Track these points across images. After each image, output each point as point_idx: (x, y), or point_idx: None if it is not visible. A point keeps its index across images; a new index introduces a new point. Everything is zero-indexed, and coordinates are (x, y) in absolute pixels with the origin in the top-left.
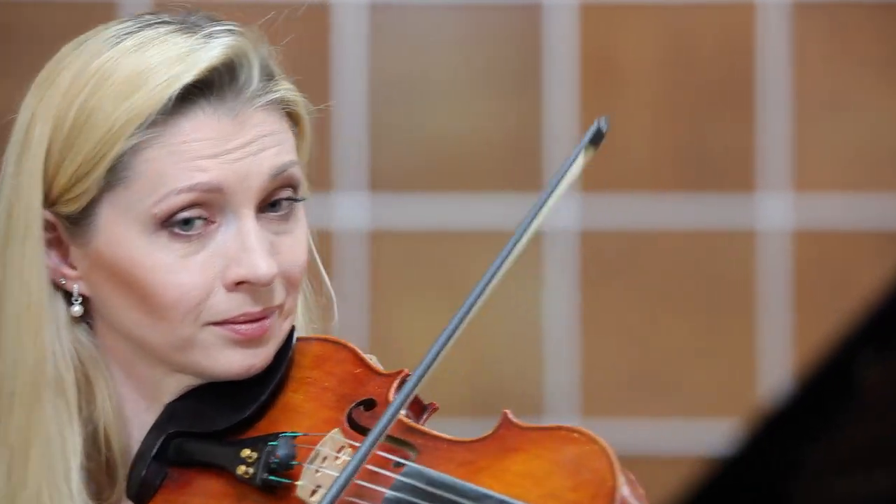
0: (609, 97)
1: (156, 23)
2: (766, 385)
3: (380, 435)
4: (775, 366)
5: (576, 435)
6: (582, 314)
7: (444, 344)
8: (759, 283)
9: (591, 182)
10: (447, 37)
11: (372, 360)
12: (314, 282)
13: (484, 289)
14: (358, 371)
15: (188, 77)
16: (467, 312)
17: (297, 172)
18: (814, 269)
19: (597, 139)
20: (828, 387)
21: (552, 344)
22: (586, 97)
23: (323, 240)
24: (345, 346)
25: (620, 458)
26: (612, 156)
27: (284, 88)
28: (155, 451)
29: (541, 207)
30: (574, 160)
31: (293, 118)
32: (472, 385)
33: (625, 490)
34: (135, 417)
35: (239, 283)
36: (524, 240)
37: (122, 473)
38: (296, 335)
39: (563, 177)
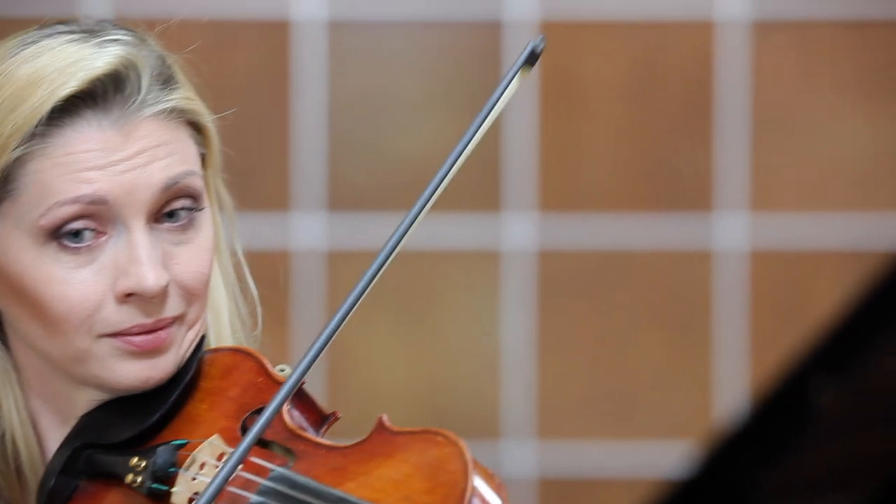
0: (569, 115)
1: (58, 32)
2: (723, 407)
3: (252, 441)
4: (732, 387)
5: (439, 438)
6: (539, 334)
7: (326, 341)
8: (717, 304)
9: (548, 201)
10: (407, 55)
11: (284, 370)
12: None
13: (392, 249)
14: (260, 380)
15: (70, 88)
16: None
17: (195, 182)
18: (771, 290)
19: (532, 60)
20: (784, 409)
21: (509, 365)
22: (546, 115)
23: (281, 259)
24: (251, 356)
25: (576, 481)
26: (571, 175)
27: (179, 97)
28: (62, 464)
29: (475, 133)
30: (509, 83)
31: (196, 127)
32: (429, 406)
33: (478, 491)
34: (50, 431)
35: (129, 295)
36: (452, 171)
37: (34, 487)
38: (205, 345)
39: (497, 100)
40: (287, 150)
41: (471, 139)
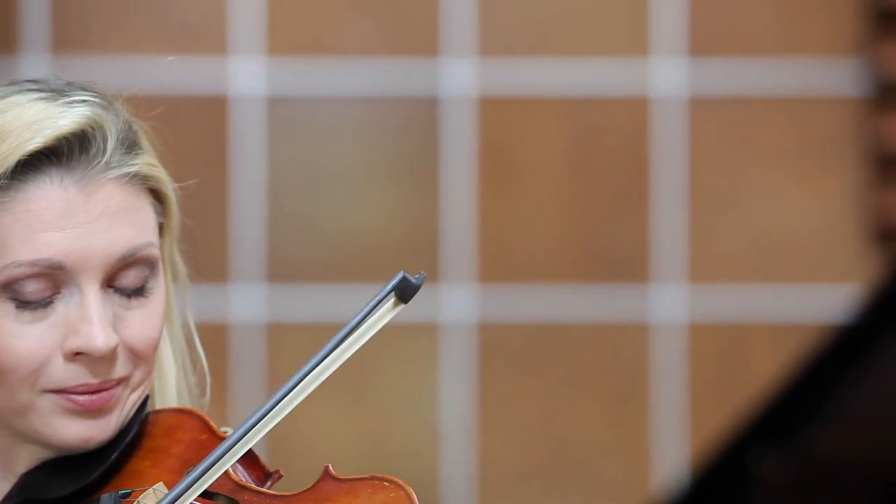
0: (508, 188)
1: (27, 89)
2: (662, 478)
3: (188, 486)
4: (671, 458)
5: (387, 483)
6: (479, 406)
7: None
8: (655, 376)
9: (488, 273)
10: (345, 129)
11: (227, 431)
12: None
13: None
14: (204, 437)
15: (35, 144)
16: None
17: (152, 253)
18: (709, 362)
19: (405, 291)
20: (724, 480)
21: (449, 436)
22: (485, 188)
23: (219, 332)
24: (195, 415)
25: None
26: (510, 247)
27: (142, 163)
28: None
29: (329, 353)
30: (371, 309)
31: (156, 195)
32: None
33: None
34: None
35: (77, 354)
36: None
37: None
38: (148, 406)
39: (357, 325)
40: (226, 222)
41: (324, 357)
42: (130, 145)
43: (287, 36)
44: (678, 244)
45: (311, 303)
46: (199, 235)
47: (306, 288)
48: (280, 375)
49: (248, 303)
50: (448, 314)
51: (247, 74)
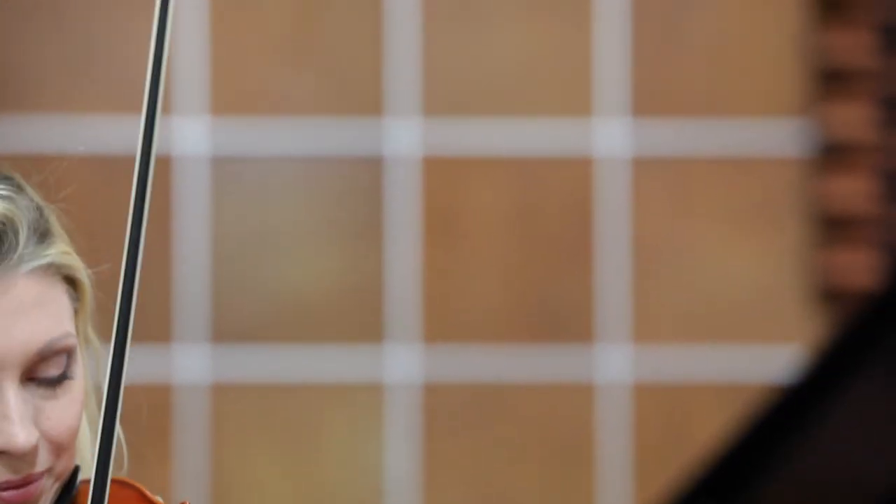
0: (452, 247)
1: None
2: None
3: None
4: None
5: None
6: (423, 466)
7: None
8: (599, 436)
9: (432, 333)
10: (290, 188)
11: (159, 498)
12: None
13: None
14: None
15: None
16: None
17: (69, 342)
18: (654, 421)
19: None
20: None
21: (394, 496)
22: (429, 247)
23: (163, 393)
24: (129, 484)
25: None
26: (454, 307)
27: (55, 252)
28: None
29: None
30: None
31: (70, 282)
32: None
33: None
34: None
35: None
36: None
37: None
38: (79, 478)
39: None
40: (170, 281)
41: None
42: (42, 235)
43: (230, 95)
44: (622, 304)
45: (256, 363)
46: (142, 295)
47: (251, 348)
48: (225, 436)
49: (192, 363)
50: (392, 374)
51: (190, 134)
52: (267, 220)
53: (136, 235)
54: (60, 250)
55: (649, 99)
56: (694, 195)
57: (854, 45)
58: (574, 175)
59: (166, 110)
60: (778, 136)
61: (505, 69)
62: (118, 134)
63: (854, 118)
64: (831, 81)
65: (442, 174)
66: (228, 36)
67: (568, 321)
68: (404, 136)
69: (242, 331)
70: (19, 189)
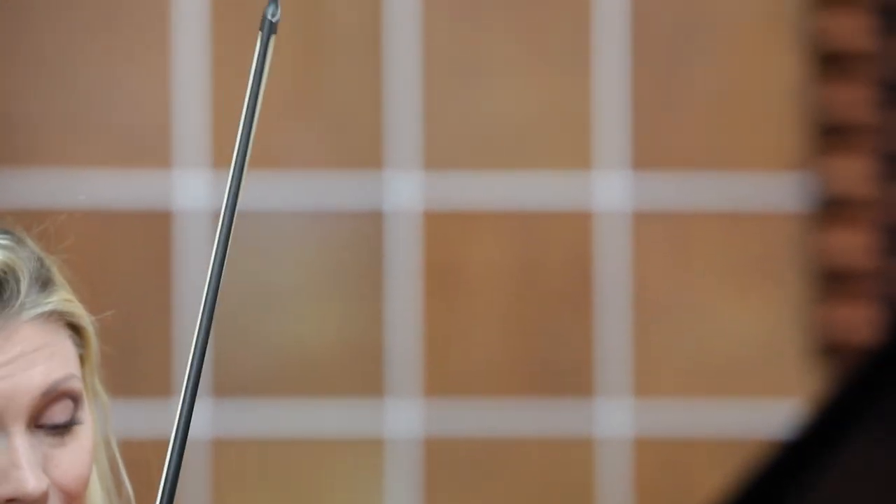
0: (452, 302)
1: None
2: None
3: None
4: None
5: None
6: None
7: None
8: (600, 490)
9: (433, 388)
10: (290, 242)
11: None
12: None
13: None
14: None
15: None
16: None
17: (74, 385)
18: (654, 476)
19: (269, 28)
20: None
21: None
22: (430, 303)
23: (163, 448)
24: None
25: None
26: (454, 361)
27: (57, 300)
28: None
29: (249, 127)
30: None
31: (73, 328)
32: None
33: None
34: None
35: (9, 501)
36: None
37: None
38: None
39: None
40: (170, 335)
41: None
42: (44, 283)
43: (231, 149)
44: (622, 358)
45: (257, 417)
46: (143, 349)
47: (252, 402)
48: (226, 490)
49: (194, 418)
50: (393, 428)
51: (191, 187)
52: (268, 273)
53: (215, 289)
54: (62, 298)
55: (649, 152)
56: (694, 249)
57: (853, 100)
58: (574, 228)
59: (166, 164)
60: (778, 190)
61: (505, 123)
62: (117, 188)
63: (854, 172)
64: (831, 136)
65: (442, 228)
66: (229, 90)
67: (568, 375)
68: (405, 190)
69: (243, 385)
70: (20, 241)
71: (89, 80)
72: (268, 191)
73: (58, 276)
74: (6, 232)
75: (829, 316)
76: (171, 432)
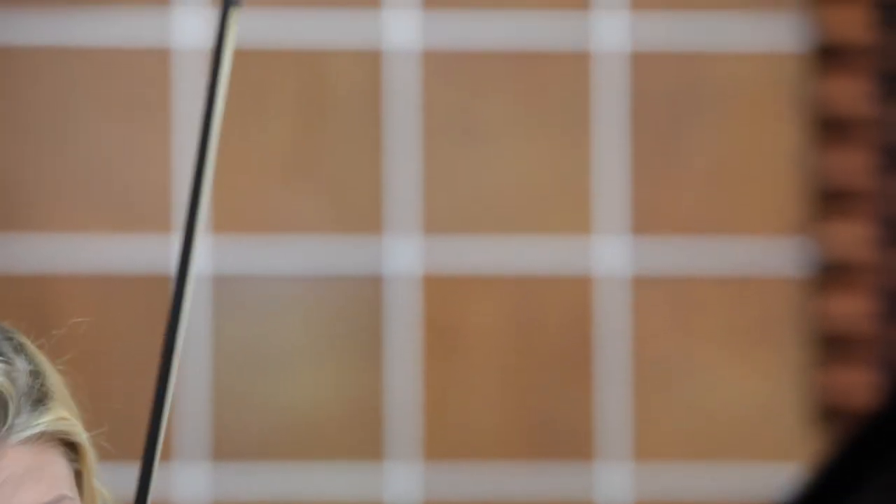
0: (451, 367)
1: None
2: None
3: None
4: None
5: None
6: None
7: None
8: None
9: (432, 451)
10: (290, 306)
11: None
12: None
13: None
14: None
15: None
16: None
17: None
18: None
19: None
20: None
21: None
22: (429, 367)
23: None
24: None
25: None
26: (453, 425)
27: (49, 420)
28: None
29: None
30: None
31: (69, 444)
32: None
33: None
34: None
35: None
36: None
37: None
38: None
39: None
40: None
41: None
42: (36, 401)
43: (231, 213)
44: (622, 422)
45: (257, 481)
46: (143, 414)
47: (251, 466)
48: None
49: (192, 481)
50: (393, 492)
51: None
52: (267, 338)
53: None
54: (55, 417)
55: (649, 217)
56: (693, 313)
57: (853, 165)
58: (574, 293)
59: (166, 229)
60: (777, 255)
61: (504, 187)
62: (116, 253)
63: (853, 238)
64: (830, 201)
65: (442, 292)
66: (229, 155)
67: (568, 439)
68: (404, 254)
69: (243, 449)
70: (18, 350)
71: (87, 144)
72: (268, 255)
73: (54, 389)
74: (6, 339)
75: (829, 380)
76: (169, 496)
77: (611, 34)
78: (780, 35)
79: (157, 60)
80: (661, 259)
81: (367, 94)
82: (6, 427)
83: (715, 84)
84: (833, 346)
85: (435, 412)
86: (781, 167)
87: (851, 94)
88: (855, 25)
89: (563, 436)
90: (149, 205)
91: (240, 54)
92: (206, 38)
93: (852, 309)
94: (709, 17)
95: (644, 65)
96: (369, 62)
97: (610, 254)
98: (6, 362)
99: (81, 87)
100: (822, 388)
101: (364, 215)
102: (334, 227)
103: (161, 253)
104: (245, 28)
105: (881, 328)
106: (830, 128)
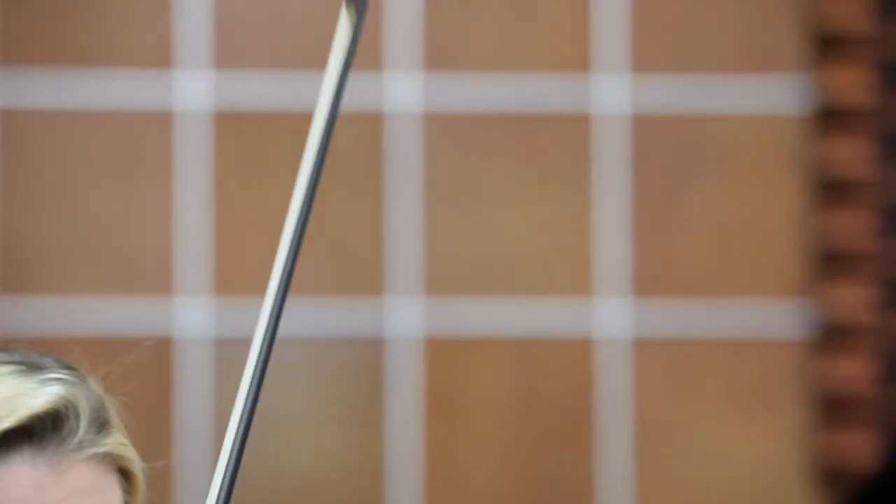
0: (453, 429)
1: (1, 362)
2: None
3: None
4: None
5: None
6: None
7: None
8: None
9: None
10: (290, 368)
11: None
12: None
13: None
14: None
15: (8, 423)
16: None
17: None
18: None
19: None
20: None
21: None
22: (430, 429)
23: None
24: None
25: None
26: (455, 487)
27: (114, 442)
28: None
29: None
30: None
31: (124, 474)
32: None
33: None
34: None
35: None
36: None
37: None
38: None
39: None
40: (171, 463)
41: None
42: (102, 424)
43: (233, 275)
44: (623, 485)
45: None
46: (145, 477)
47: None
48: None
49: None
50: None
51: (193, 315)
52: (268, 400)
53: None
54: (118, 441)
55: (650, 279)
56: (695, 375)
57: (854, 228)
58: (575, 355)
59: (167, 291)
60: (778, 317)
61: (505, 249)
62: (117, 315)
63: (854, 300)
64: (831, 263)
65: (443, 354)
66: (231, 217)
67: (569, 501)
68: (405, 317)
69: None
70: (82, 378)
71: (89, 206)
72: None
73: (115, 419)
74: (70, 368)
75: (830, 442)
76: None
77: (612, 96)
78: (780, 97)
79: (159, 123)
80: (662, 321)
81: (369, 155)
82: (77, 440)
83: (716, 146)
84: (834, 407)
85: (436, 474)
86: (782, 229)
87: (852, 156)
88: (855, 88)
89: (564, 498)
90: (150, 267)
91: (240, 116)
92: (208, 101)
93: (853, 371)
94: (710, 79)
95: (645, 127)
96: (371, 124)
97: (611, 315)
98: (80, 381)
99: (83, 149)
100: (823, 450)
101: (365, 277)
102: (335, 289)
103: (162, 315)
104: (246, 90)
105: (882, 390)
106: (831, 190)
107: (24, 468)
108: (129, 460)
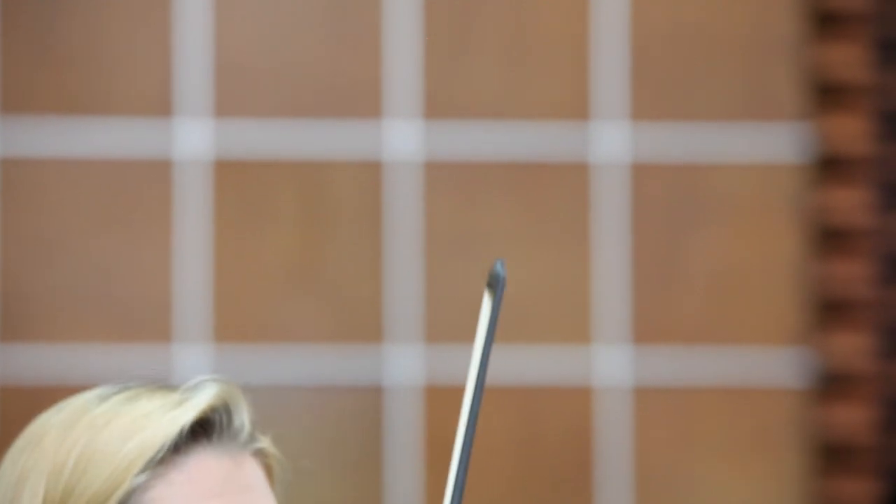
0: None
1: (133, 385)
2: None
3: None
4: None
5: None
6: None
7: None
8: None
9: None
10: (289, 416)
11: None
12: None
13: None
14: None
15: (192, 414)
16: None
17: None
18: None
19: (494, 282)
20: None
21: None
22: (430, 479)
23: None
24: None
25: None
26: None
27: (267, 440)
28: None
29: (482, 361)
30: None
31: (268, 472)
32: None
33: None
34: None
35: None
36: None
37: None
38: None
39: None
40: None
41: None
42: (254, 421)
43: (231, 322)
44: None
45: None
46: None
47: None
48: None
49: None
50: None
51: (192, 362)
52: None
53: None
54: (266, 439)
55: (649, 327)
56: (695, 424)
57: (853, 276)
58: (574, 403)
59: (166, 339)
60: (777, 366)
61: (505, 297)
62: (116, 363)
63: (853, 348)
64: (830, 311)
65: (442, 402)
66: (230, 264)
67: None
68: (404, 364)
69: None
70: (236, 387)
71: (88, 254)
72: (267, 364)
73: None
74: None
75: (830, 491)
76: None
77: (610, 145)
78: (780, 146)
79: (159, 171)
80: (662, 369)
81: (368, 203)
82: (245, 434)
83: (715, 194)
84: (833, 455)
85: None
86: (782, 277)
87: (851, 204)
88: (854, 137)
89: None
90: (149, 315)
91: (241, 164)
92: (207, 149)
93: (852, 419)
94: (709, 128)
95: (644, 175)
96: (370, 172)
97: (610, 364)
98: (235, 388)
99: (83, 197)
100: (823, 498)
101: (365, 325)
102: (335, 337)
103: (161, 363)
104: (246, 138)
105: (882, 438)
106: (830, 238)
107: (210, 460)
108: (275, 458)
